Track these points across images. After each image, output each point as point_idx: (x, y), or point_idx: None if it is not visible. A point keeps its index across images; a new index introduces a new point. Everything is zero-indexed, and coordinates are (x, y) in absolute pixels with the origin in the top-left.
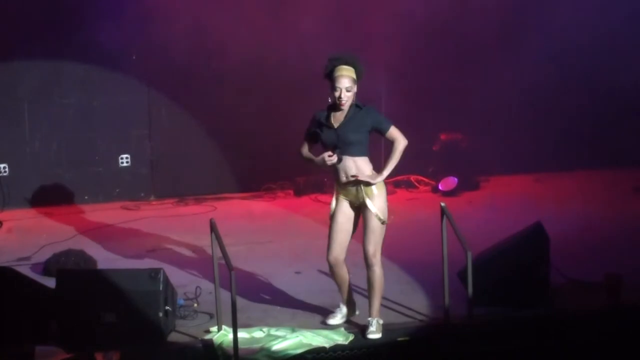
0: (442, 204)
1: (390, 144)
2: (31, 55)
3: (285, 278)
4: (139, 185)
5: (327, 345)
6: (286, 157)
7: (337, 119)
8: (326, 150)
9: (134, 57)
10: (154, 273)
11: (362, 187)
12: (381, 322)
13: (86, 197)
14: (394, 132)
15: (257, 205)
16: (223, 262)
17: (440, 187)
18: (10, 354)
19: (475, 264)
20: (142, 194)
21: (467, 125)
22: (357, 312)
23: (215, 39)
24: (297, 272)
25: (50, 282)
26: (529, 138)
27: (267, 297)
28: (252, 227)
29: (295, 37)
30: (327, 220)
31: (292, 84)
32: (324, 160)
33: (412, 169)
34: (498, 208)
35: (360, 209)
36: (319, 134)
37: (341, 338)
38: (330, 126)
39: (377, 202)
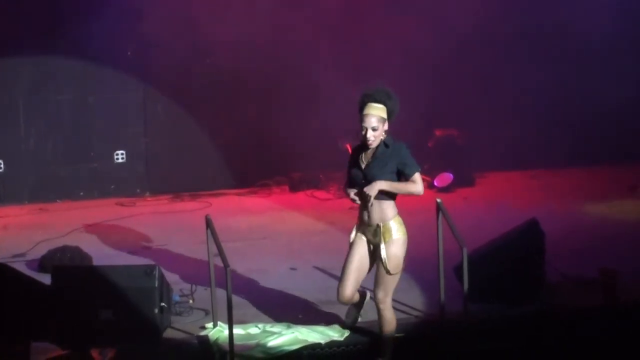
0: (438, 200)
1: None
2: (26, 52)
3: (280, 274)
4: (134, 181)
5: (322, 342)
6: (281, 153)
7: (367, 156)
8: (354, 186)
9: (129, 54)
10: (149, 269)
11: (381, 228)
12: None
13: (81, 194)
14: (416, 179)
15: (253, 201)
16: (218, 258)
17: (435, 183)
18: (6, 351)
19: (470, 260)
20: (138, 190)
21: (463, 122)
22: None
23: (211, 35)
24: (293, 269)
25: (46, 279)
26: (524, 134)
27: (262, 293)
28: (247, 223)
29: (291, 35)
30: (323, 216)
31: (287, 80)
32: (349, 196)
33: None
34: (493, 204)
35: (376, 249)
36: (350, 170)
37: (337, 334)
38: (359, 164)
39: (393, 247)
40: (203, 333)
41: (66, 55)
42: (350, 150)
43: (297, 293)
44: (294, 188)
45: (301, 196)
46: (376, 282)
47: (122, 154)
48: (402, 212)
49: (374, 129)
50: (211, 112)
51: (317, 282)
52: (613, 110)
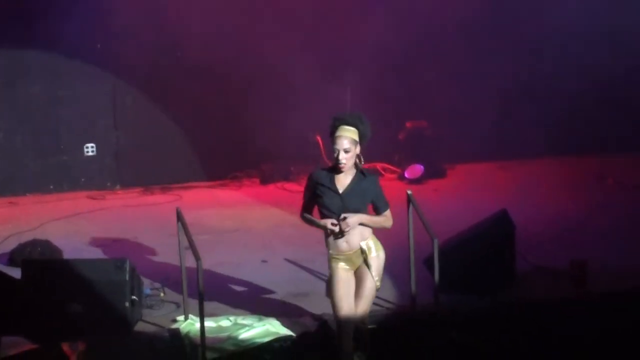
0: (409, 192)
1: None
2: None
3: (251, 267)
4: (104, 174)
5: (294, 333)
6: (252, 146)
7: (340, 182)
8: (328, 214)
9: (99, 46)
10: (119, 263)
11: (365, 246)
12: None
13: (51, 187)
14: (388, 215)
15: (223, 194)
16: (189, 251)
17: (406, 175)
18: None
19: (441, 251)
20: (108, 183)
21: (433, 114)
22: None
23: (182, 29)
24: (264, 261)
25: (16, 273)
26: (493, 126)
27: (233, 286)
28: (218, 216)
29: (262, 29)
30: (294, 209)
31: (258, 73)
32: (326, 228)
33: (378, 156)
34: (464, 196)
35: (356, 271)
36: (321, 196)
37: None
38: (334, 190)
39: (375, 262)
40: (174, 326)
41: (36, 49)
42: (321, 143)
43: (268, 285)
44: (265, 180)
45: (272, 189)
46: (357, 301)
47: (92, 147)
48: None
49: (346, 151)
50: (182, 105)
51: (288, 274)
52: (581, 102)
